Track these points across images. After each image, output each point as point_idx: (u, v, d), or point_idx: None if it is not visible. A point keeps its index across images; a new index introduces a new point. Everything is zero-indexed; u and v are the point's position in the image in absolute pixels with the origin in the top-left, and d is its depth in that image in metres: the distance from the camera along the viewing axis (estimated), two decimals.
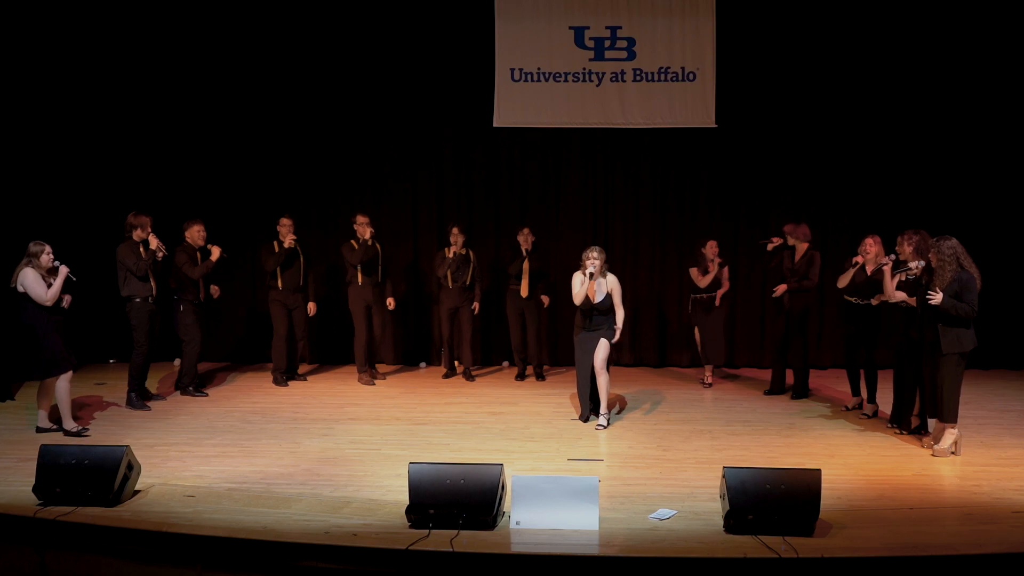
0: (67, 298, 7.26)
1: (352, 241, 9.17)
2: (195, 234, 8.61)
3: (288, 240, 9.00)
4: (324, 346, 10.45)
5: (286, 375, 9.31)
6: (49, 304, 7.06)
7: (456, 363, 9.77)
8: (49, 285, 7.08)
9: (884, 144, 9.87)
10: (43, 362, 7.09)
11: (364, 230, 9.13)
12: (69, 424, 7.21)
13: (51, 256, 7.13)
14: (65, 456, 5.56)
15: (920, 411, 7.19)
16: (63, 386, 7.17)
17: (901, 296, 6.90)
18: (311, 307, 9.31)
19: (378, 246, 9.25)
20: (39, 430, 7.22)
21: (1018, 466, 6.39)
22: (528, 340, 9.54)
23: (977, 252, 6.68)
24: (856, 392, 8.04)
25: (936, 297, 6.35)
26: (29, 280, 6.99)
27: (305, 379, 9.48)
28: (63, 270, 7.15)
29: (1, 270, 8.67)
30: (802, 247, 8.46)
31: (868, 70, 9.77)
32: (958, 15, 9.58)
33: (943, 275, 6.41)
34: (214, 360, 10.16)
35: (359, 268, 9.13)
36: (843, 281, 7.87)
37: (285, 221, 9.11)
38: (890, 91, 9.77)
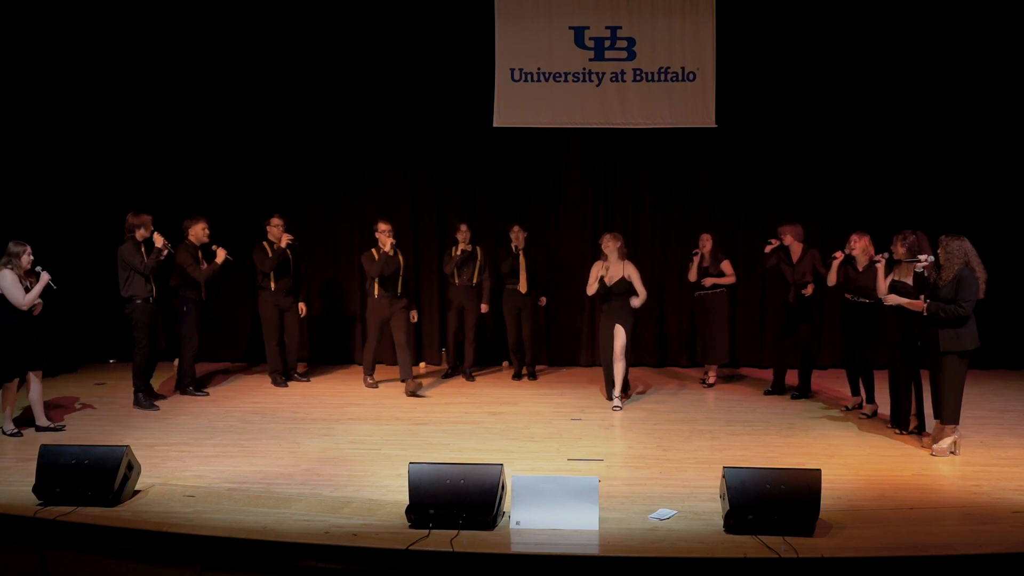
0: (39, 305, 7.12)
1: (373, 250, 8.73)
2: (199, 232, 8.56)
3: (283, 240, 8.94)
4: (326, 346, 10.45)
5: (284, 375, 9.29)
6: (25, 308, 6.97)
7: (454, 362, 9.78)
8: (27, 288, 6.99)
9: (884, 144, 9.88)
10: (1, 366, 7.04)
11: (385, 239, 8.64)
12: (42, 421, 7.26)
13: (31, 258, 7.03)
14: (65, 456, 5.55)
15: (918, 411, 7.19)
16: (36, 387, 7.22)
17: (896, 300, 6.88)
18: (302, 307, 9.25)
19: (400, 257, 8.80)
20: (5, 432, 7.16)
21: (1018, 466, 6.39)
22: (524, 339, 9.53)
23: (977, 252, 6.67)
24: (855, 392, 8.04)
25: (924, 309, 6.48)
26: (7, 282, 6.90)
27: (308, 380, 9.44)
28: (45, 276, 7.05)
29: None
30: (797, 247, 8.47)
31: (868, 70, 9.77)
32: (958, 15, 9.58)
33: (948, 271, 6.42)
34: (214, 360, 10.15)
35: (377, 280, 8.72)
36: (831, 278, 7.91)
37: (276, 221, 8.99)
38: (890, 91, 9.77)
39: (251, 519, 5.29)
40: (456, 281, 9.32)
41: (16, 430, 7.16)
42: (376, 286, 8.68)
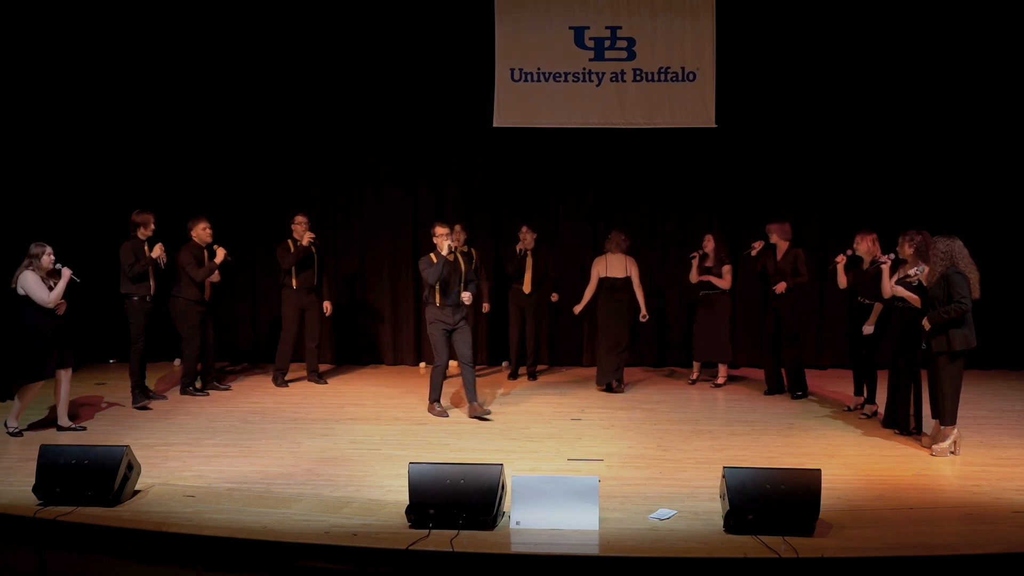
0: (63, 305, 7.16)
1: (432, 254, 7.85)
2: (201, 232, 8.55)
3: (306, 238, 8.92)
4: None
5: (308, 376, 9.29)
6: (51, 306, 7.02)
7: (453, 363, 9.76)
8: (51, 287, 7.03)
9: (884, 144, 9.88)
10: (27, 367, 7.07)
11: (442, 243, 7.75)
12: (64, 420, 7.27)
13: (52, 258, 7.09)
14: (65, 456, 5.55)
15: (916, 412, 7.18)
16: (64, 386, 7.24)
17: (900, 292, 6.90)
18: (327, 306, 9.21)
19: (462, 262, 7.99)
20: (9, 431, 7.19)
21: (1018, 466, 6.39)
22: (527, 338, 9.53)
23: (977, 252, 6.68)
24: (859, 392, 8.02)
25: (924, 322, 6.52)
26: (29, 282, 6.95)
27: (326, 382, 9.36)
28: (66, 272, 7.10)
29: (4, 271, 8.73)
30: (783, 246, 8.50)
31: (868, 70, 9.77)
32: (958, 15, 9.57)
33: (933, 272, 6.45)
34: (215, 360, 10.13)
35: (438, 288, 7.84)
36: (841, 282, 7.91)
37: (300, 219, 8.99)
38: (890, 91, 9.77)
39: (251, 519, 5.29)
40: None
41: (17, 429, 7.17)
42: (437, 294, 7.85)
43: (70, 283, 7.14)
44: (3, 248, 8.85)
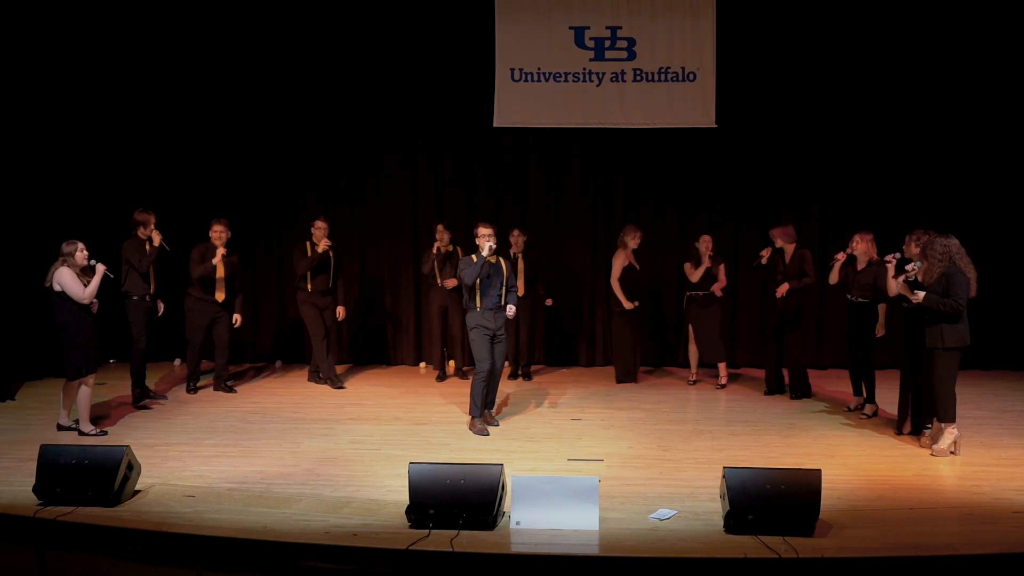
0: (95, 303, 7.14)
1: (472, 256, 7.50)
2: (213, 233, 8.58)
3: (322, 245, 8.88)
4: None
5: (315, 377, 9.29)
6: (86, 302, 7.00)
7: (452, 363, 9.77)
8: (85, 284, 7.03)
9: (885, 144, 9.88)
10: (72, 364, 7.04)
11: (484, 243, 7.40)
12: (87, 427, 7.19)
13: (86, 254, 7.08)
14: (65, 456, 5.55)
15: (914, 411, 7.18)
16: (85, 389, 7.16)
17: (903, 290, 6.90)
18: (340, 311, 9.18)
19: (504, 265, 7.61)
20: (59, 428, 7.24)
21: (1018, 466, 6.39)
22: (520, 339, 9.52)
23: (977, 252, 6.68)
24: (858, 392, 8.02)
25: (917, 296, 6.50)
26: (66, 279, 6.93)
27: (326, 383, 9.29)
28: (100, 268, 7.10)
29: (11, 268, 8.75)
30: (790, 248, 8.49)
31: (868, 70, 9.77)
32: (958, 15, 9.58)
33: (931, 271, 6.45)
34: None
35: (477, 289, 7.47)
36: (833, 278, 7.93)
37: (320, 224, 8.93)
38: (890, 91, 9.77)
39: (251, 519, 5.29)
40: (439, 282, 9.30)
41: (96, 430, 7.17)
42: (477, 295, 7.47)
43: (104, 279, 7.13)
44: (12, 248, 8.90)
